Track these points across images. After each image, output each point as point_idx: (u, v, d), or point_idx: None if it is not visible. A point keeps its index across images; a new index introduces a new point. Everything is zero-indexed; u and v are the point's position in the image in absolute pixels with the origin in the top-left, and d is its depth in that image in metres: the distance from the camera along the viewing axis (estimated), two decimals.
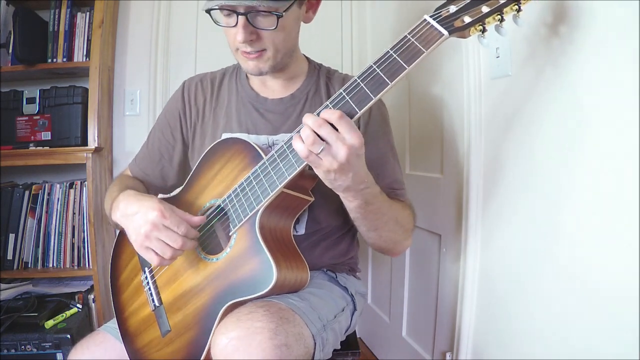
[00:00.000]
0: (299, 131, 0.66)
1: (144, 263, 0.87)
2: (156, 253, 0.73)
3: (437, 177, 1.26)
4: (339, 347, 0.88)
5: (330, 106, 0.66)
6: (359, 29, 1.86)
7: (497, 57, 0.96)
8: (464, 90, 1.10)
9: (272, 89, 0.95)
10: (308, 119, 0.64)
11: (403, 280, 1.49)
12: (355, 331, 1.02)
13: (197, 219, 0.77)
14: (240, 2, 0.74)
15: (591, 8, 0.72)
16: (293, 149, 0.69)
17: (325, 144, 0.63)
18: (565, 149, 0.79)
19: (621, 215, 0.68)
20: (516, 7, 0.63)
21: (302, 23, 0.89)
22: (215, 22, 0.82)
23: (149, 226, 0.72)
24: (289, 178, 0.70)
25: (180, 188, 0.91)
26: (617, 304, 0.70)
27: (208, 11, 0.79)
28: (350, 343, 1.00)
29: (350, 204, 0.74)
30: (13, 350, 1.39)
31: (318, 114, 0.66)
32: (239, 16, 0.77)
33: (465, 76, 1.10)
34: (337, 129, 0.63)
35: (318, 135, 0.63)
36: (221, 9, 0.78)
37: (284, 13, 0.77)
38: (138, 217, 0.74)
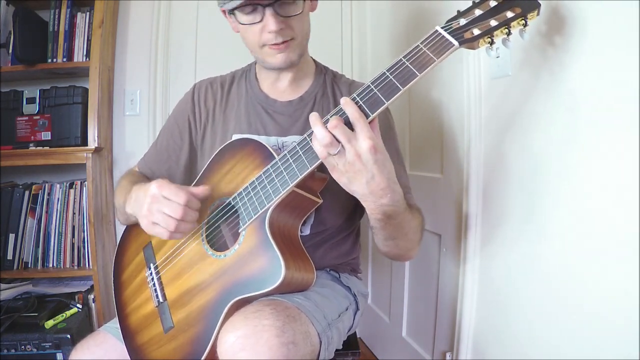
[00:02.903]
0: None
1: (149, 259, 0.88)
2: (162, 227, 0.74)
3: (437, 177, 1.27)
4: (340, 346, 0.88)
5: (341, 104, 0.68)
6: (359, 29, 1.86)
7: (497, 57, 0.97)
8: (464, 90, 1.10)
9: (282, 90, 0.96)
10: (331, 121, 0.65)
11: (403, 280, 1.49)
12: (355, 331, 1.02)
13: (199, 189, 0.77)
14: None
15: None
16: (306, 149, 0.71)
17: (340, 145, 0.64)
18: (565, 149, 0.80)
19: (621, 216, 0.69)
20: (523, 21, 0.66)
21: None
22: (238, 21, 0.83)
23: (149, 199, 0.74)
24: (300, 177, 0.71)
25: (191, 185, 0.91)
26: (618, 304, 0.70)
27: (232, 12, 0.81)
28: (351, 343, 1.00)
29: (372, 214, 0.72)
30: (13, 350, 1.39)
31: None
32: (266, 8, 0.79)
33: (465, 76, 1.10)
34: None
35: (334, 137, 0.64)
36: (246, 5, 0.80)
37: None
38: (141, 195, 0.77)
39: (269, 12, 0.79)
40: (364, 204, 0.70)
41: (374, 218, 0.73)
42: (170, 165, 1.01)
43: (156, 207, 0.73)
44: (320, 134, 0.64)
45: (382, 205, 0.69)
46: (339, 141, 0.64)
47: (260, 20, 0.81)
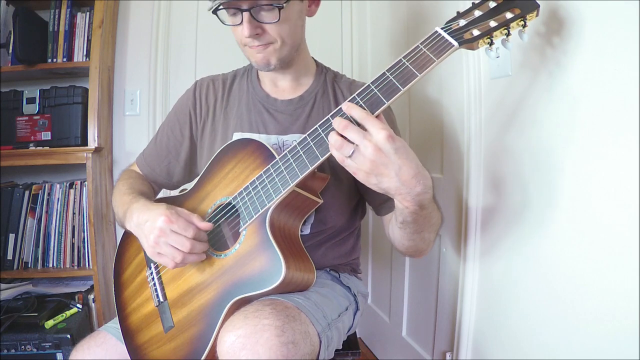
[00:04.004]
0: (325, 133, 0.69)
1: (149, 259, 0.88)
2: (169, 258, 0.75)
3: (437, 177, 1.27)
4: (340, 346, 0.88)
5: (343, 110, 0.68)
6: (359, 29, 1.86)
7: (497, 57, 0.96)
8: (464, 90, 1.10)
9: (282, 89, 0.96)
10: (334, 123, 0.65)
11: (403, 280, 1.49)
12: (355, 331, 1.02)
13: (204, 225, 0.77)
14: None
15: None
16: (307, 148, 0.71)
17: (354, 146, 0.63)
18: (564, 149, 0.80)
19: (621, 215, 0.69)
20: (522, 22, 0.67)
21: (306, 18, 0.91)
22: (222, 22, 0.84)
23: (157, 232, 0.74)
24: (301, 176, 0.71)
25: (192, 185, 0.92)
26: (618, 304, 0.70)
27: (214, 12, 0.81)
28: (351, 343, 1.00)
29: (406, 209, 0.69)
30: (13, 350, 1.39)
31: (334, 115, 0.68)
32: (243, 12, 0.79)
33: (465, 76, 1.10)
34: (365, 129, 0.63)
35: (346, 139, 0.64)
36: (226, 8, 0.80)
37: (284, 4, 0.79)
38: (148, 225, 0.76)
39: (245, 17, 0.80)
40: (399, 199, 0.68)
41: (408, 212, 0.70)
42: (170, 161, 1.01)
43: (163, 240, 0.74)
44: (331, 138, 0.65)
45: (418, 194, 0.66)
46: (351, 142, 0.63)
47: (240, 23, 0.81)
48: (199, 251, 0.76)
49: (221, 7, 0.80)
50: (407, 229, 0.77)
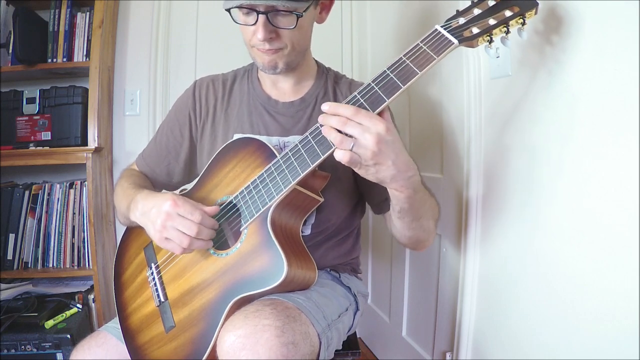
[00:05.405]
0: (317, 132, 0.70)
1: (150, 259, 0.88)
2: (176, 243, 0.75)
3: (437, 177, 1.27)
4: (340, 347, 0.88)
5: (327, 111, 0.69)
6: (359, 29, 1.87)
7: (497, 57, 0.97)
8: (464, 90, 1.10)
9: (283, 91, 0.96)
10: (333, 120, 0.66)
11: (403, 280, 1.49)
12: (355, 331, 1.02)
13: (210, 209, 0.78)
14: (261, 1, 0.75)
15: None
16: (308, 147, 0.71)
17: (353, 139, 0.64)
18: (564, 148, 0.80)
19: (620, 214, 0.69)
20: (521, 20, 0.67)
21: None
22: (234, 20, 0.83)
23: (164, 216, 0.74)
24: (302, 174, 0.72)
25: (192, 185, 0.92)
26: (618, 303, 0.70)
27: (228, 9, 0.81)
28: (351, 343, 1.00)
29: (401, 194, 0.72)
30: (13, 350, 1.39)
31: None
32: (259, 15, 0.78)
33: (465, 76, 1.10)
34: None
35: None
36: (241, 7, 0.80)
37: (303, 13, 0.79)
38: (154, 211, 0.76)
39: (261, 19, 0.79)
40: (394, 187, 0.70)
41: (404, 197, 0.72)
42: (169, 161, 1.01)
43: (170, 224, 0.74)
44: (331, 135, 0.66)
45: (410, 177, 0.69)
46: (350, 136, 0.64)
47: (254, 24, 0.80)
48: (205, 237, 0.76)
49: (237, 6, 0.79)
50: (406, 217, 0.79)
